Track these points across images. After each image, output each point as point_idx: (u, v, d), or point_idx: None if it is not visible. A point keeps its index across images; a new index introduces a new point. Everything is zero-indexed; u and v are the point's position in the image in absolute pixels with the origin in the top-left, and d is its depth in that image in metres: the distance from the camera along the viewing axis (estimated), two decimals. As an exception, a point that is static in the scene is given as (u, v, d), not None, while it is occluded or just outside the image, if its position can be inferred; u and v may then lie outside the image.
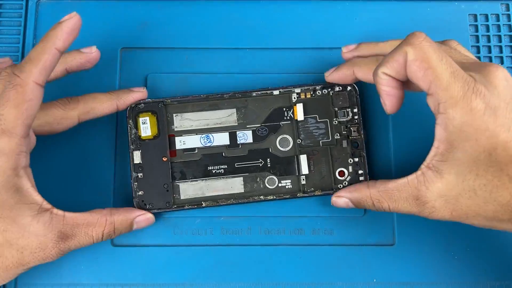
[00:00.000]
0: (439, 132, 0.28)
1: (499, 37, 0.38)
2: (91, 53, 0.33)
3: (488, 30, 0.38)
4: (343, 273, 0.34)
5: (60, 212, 0.30)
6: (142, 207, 0.34)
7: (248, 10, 0.38)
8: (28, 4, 0.37)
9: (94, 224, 0.30)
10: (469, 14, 0.38)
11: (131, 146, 0.34)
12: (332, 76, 0.34)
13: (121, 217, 0.32)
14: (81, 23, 0.29)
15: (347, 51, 0.35)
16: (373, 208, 0.31)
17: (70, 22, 0.28)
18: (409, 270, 0.34)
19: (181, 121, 0.34)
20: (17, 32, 0.37)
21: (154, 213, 0.33)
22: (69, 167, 0.35)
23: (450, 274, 0.34)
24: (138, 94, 0.34)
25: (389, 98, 0.29)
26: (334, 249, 0.35)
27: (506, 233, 0.35)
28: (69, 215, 0.30)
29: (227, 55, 0.37)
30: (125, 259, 0.34)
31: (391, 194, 0.30)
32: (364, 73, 0.33)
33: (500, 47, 0.38)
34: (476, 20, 0.38)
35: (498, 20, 0.38)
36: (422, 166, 0.29)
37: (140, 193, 0.34)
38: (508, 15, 0.38)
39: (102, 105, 0.33)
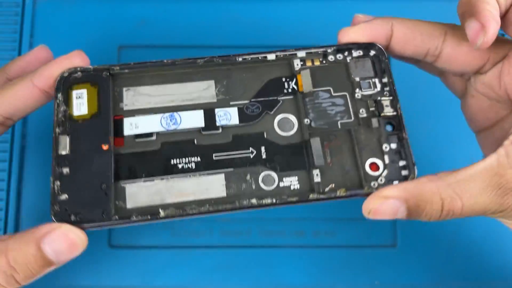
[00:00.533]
0: None
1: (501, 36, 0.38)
2: (30, 53, 0.26)
3: (490, 29, 0.38)
4: (344, 275, 0.34)
5: None
6: (63, 219, 0.21)
7: (246, 8, 0.38)
8: (25, 2, 0.37)
9: None
10: (471, 13, 0.38)
11: (56, 129, 0.23)
12: (354, 32, 0.25)
13: (18, 241, 0.20)
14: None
15: (364, 16, 0.26)
16: (439, 213, 0.22)
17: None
18: (411, 271, 0.34)
19: (134, 97, 0.24)
20: (13, 31, 0.37)
21: (85, 229, 0.22)
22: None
23: (453, 276, 0.34)
24: (65, 59, 0.24)
25: (494, 24, 0.21)
26: (335, 251, 0.34)
27: (509, 234, 0.34)
28: None
29: (225, 53, 0.37)
30: (123, 261, 0.34)
31: (466, 186, 0.21)
32: (409, 32, 0.24)
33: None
34: (478, 19, 0.38)
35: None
36: (506, 143, 0.22)
37: (63, 197, 0.22)
38: (510, 14, 0.38)
39: (13, 89, 0.23)
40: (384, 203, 0.21)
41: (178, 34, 0.37)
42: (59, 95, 0.23)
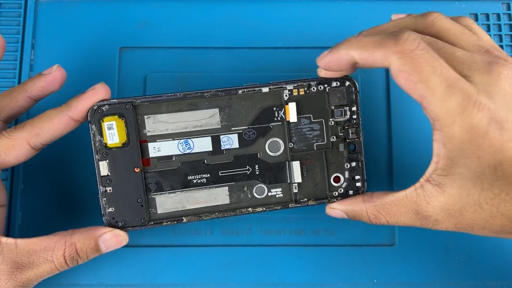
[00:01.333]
0: (437, 147, 0.25)
1: (500, 36, 0.38)
2: (50, 74, 0.30)
3: (489, 29, 0.38)
4: (343, 274, 0.34)
5: (10, 240, 0.28)
6: (113, 225, 0.30)
7: (247, 9, 0.38)
8: (27, 4, 0.37)
9: (52, 247, 0.28)
10: (470, 14, 0.38)
11: (96, 156, 0.29)
12: (325, 59, 0.27)
13: (82, 236, 0.28)
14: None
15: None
16: (370, 222, 0.29)
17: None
18: (409, 270, 0.34)
19: (154, 124, 0.30)
20: (16, 32, 0.37)
21: (128, 232, 0.30)
22: (65, 174, 0.35)
23: (451, 274, 0.34)
24: (93, 94, 0.29)
25: (328, 74, 0.29)
26: (334, 250, 0.35)
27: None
28: (22, 241, 0.28)
29: (227, 54, 0.37)
30: (125, 259, 0.34)
31: (389, 208, 0.28)
32: (364, 53, 0.26)
33: (501, 46, 0.38)
34: (477, 19, 0.38)
35: (499, 19, 0.38)
36: (422, 180, 0.26)
37: (110, 209, 0.30)
38: (509, 15, 0.38)
39: (51, 121, 0.28)
40: (333, 211, 0.31)
41: (180, 36, 0.37)
42: (93, 126, 0.29)
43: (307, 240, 0.35)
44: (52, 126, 0.28)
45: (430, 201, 0.26)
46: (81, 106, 0.28)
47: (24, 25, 0.37)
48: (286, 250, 0.35)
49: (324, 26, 0.37)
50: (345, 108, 0.31)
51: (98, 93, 0.28)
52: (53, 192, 0.35)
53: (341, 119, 0.31)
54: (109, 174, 0.29)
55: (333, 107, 0.31)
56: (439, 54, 0.25)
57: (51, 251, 0.28)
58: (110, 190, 0.29)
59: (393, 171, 0.36)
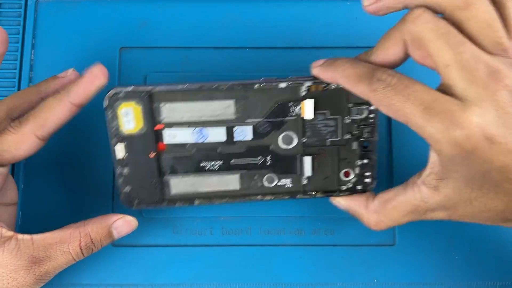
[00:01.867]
0: (432, 156, 0.26)
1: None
2: (65, 77, 0.31)
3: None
4: (343, 274, 0.34)
5: (26, 236, 0.29)
6: (130, 202, 0.31)
7: (248, 9, 0.38)
8: (27, 4, 0.37)
9: (68, 239, 0.29)
10: (469, 14, 0.38)
11: (112, 141, 0.30)
12: (315, 71, 0.29)
13: (96, 226, 0.30)
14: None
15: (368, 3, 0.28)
16: (370, 228, 0.30)
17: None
18: (409, 270, 0.34)
19: (169, 112, 0.30)
20: (16, 32, 0.37)
21: (143, 211, 0.31)
22: (65, 172, 0.35)
23: (451, 274, 0.34)
24: (92, 79, 0.29)
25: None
26: (334, 250, 0.35)
27: (507, 233, 0.35)
28: (38, 237, 0.29)
29: (227, 54, 0.37)
30: (125, 259, 0.34)
31: (391, 214, 0.29)
32: (347, 84, 0.27)
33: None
34: (476, 19, 0.38)
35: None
36: (419, 182, 0.27)
37: (127, 189, 0.31)
38: (509, 15, 0.38)
39: (54, 110, 0.29)
40: (337, 203, 0.31)
41: (180, 36, 0.37)
42: (109, 112, 0.29)
43: (306, 240, 0.35)
44: (55, 115, 0.29)
45: (428, 201, 0.27)
46: (83, 90, 0.28)
47: (24, 25, 0.37)
48: (286, 250, 0.35)
49: (324, 26, 0.38)
50: (363, 106, 0.30)
51: (97, 78, 0.29)
52: (53, 192, 0.35)
53: (358, 117, 0.30)
54: (124, 158, 0.30)
55: (350, 105, 0.30)
56: (448, 46, 0.24)
57: (67, 243, 0.29)
58: (126, 172, 0.30)
59: (393, 170, 0.36)
